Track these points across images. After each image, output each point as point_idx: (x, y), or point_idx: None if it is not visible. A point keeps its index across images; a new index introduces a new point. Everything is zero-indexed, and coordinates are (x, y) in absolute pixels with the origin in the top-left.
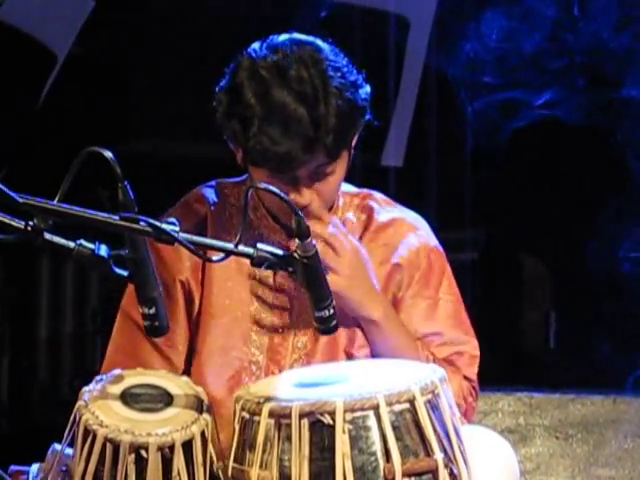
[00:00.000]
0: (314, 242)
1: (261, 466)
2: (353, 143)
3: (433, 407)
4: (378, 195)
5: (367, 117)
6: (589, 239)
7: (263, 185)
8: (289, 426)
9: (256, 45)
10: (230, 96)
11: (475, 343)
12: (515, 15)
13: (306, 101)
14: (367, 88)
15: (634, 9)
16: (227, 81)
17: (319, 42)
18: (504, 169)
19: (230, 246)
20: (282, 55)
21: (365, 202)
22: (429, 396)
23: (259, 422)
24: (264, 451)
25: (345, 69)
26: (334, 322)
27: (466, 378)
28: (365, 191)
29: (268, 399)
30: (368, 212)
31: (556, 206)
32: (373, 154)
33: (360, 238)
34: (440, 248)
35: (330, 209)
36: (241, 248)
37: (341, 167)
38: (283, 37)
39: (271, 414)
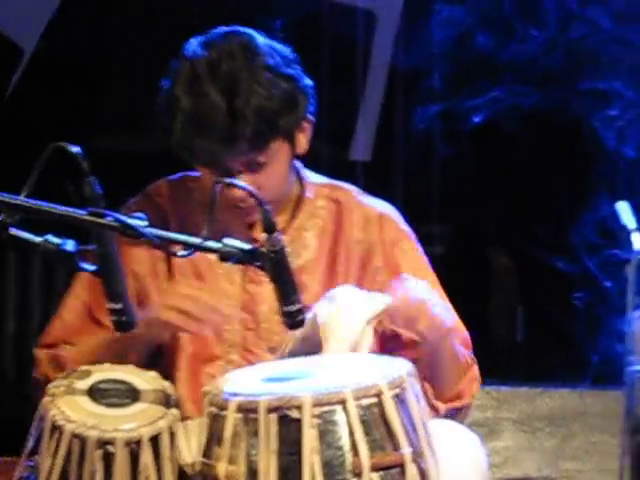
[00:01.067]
0: (281, 236)
1: (229, 461)
2: (304, 134)
3: (401, 401)
4: (346, 186)
5: (309, 109)
6: (556, 233)
7: (228, 180)
8: (257, 421)
9: (194, 41)
10: (165, 92)
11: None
12: (474, 11)
13: (228, 95)
14: (306, 81)
15: (586, 8)
16: (166, 77)
17: (256, 35)
18: (471, 163)
19: (197, 241)
20: (215, 51)
21: (335, 193)
22: (397, 390)
23: (227, 416)
24: (232, 446)
25: (280, 61)
26: (301, 316)
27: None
28: (334, 182)
29: (236, 394)
30: (337, 205)
31: (524, 200)
32: (341, 148)
33: (333, 231)
34: (412, 236)
35: (298, 202)
36: (208, 243)
37: (280, 158)
38: (220, 31)
39: (239, 409)
